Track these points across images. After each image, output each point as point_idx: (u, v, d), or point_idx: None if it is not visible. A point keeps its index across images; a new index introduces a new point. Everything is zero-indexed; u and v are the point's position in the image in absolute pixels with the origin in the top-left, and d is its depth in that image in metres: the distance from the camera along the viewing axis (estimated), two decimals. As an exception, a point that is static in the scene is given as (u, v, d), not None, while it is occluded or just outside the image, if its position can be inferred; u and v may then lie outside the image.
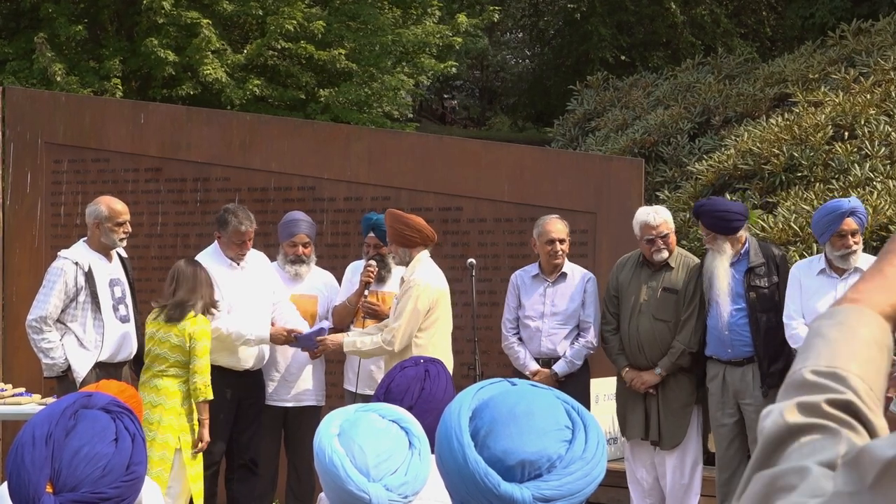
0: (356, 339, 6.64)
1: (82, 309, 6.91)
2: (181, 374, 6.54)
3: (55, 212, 9.10)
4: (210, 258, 6.95)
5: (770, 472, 1.16)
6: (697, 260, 7.00)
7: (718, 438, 6.82)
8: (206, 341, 6.53)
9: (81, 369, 6.85)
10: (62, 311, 6.87)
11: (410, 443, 2.50)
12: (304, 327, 6.97)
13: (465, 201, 8.19)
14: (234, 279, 6.95)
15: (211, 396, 6.53)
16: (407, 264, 6.62)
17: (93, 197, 7.38)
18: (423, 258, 6.61)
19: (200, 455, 6.60)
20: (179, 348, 6.52)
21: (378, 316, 6.92)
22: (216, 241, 7.06)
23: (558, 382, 6.76)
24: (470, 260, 7.05)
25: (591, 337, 6.99)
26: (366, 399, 6.13)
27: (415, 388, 3.26)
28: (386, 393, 3.26)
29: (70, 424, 2.40)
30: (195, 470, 6.56)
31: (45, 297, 6.86)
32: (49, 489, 2.33)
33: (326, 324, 6.98)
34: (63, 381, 6.91)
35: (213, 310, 6.68)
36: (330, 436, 2.46)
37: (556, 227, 7.01)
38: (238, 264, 6.98)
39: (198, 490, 6.59)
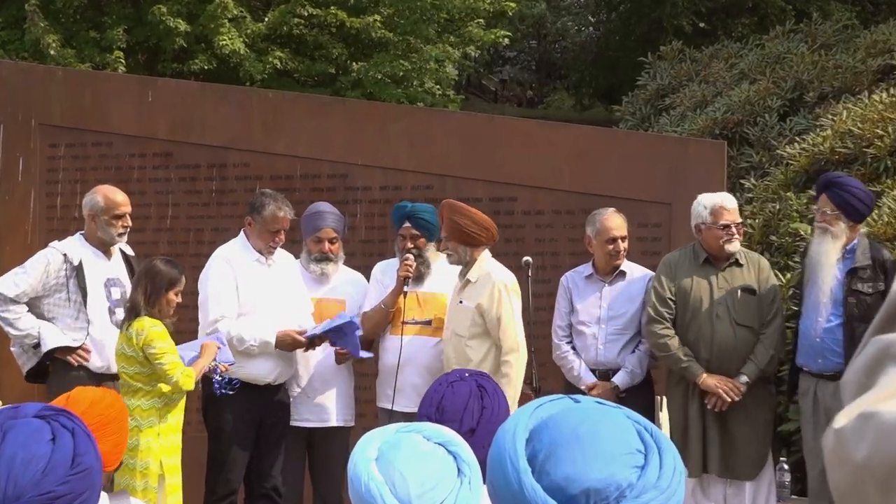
0: (503, 380, 6.39)
1: (65, 306, 6.95)
2: (148, 386, 6.37)
3: (50, 203, 9.16)
4: (236, 250, 6.96)
5: (888, 337, 1.23)
6: (762, 257, 6.99)
7: (811, 463, 6.74)
8: (159, 342, 6.31)
9: (51, 339, 6.83)
10: (44, 303, 6.93)
11: (459, 469, 2.49)
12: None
13: (519, 190, 8.18)
14: (260, 276, 6.92)
15: (191, 385, 6.33)
16: (465, 264, 6.65)
17: (93, 185, 7.42)
18: (488, 258, 6.65)
19: (179, 487, 6.45)
20: (135, 359, 6.35)
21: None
22: (244, 231, 7.03)
23: (619, 397, 6.73)
24: (525, 258, 7.05)
25: None
26: (405, 418, 6.12)
27: (474, 407, 3.22)
28: (439, 413, 3.24)
29: None
30: (176, 498, 6.42)
31: (20, 278, 6.91)
32: None
33: (355, 318, 6.90)
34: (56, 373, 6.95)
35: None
36: (367, 460, 2.46)
37: (616, 222, 7.00)
38: (266, 259, 6.97)
39: None
